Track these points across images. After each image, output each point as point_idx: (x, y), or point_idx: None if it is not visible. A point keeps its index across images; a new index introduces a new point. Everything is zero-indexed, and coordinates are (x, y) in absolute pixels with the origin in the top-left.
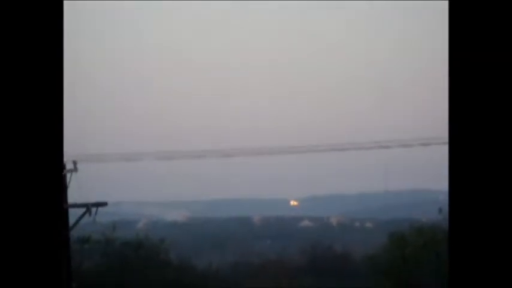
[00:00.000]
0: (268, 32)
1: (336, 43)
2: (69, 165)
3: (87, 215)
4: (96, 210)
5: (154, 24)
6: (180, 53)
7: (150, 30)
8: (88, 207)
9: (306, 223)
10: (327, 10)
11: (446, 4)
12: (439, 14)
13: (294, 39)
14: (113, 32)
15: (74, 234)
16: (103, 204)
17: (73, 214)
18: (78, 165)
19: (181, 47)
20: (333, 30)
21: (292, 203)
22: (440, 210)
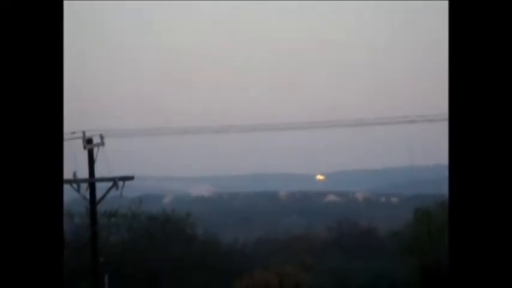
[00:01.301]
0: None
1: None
2: (96, 139)
3: (114, 189)
4: (123, 184)
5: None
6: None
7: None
8: (115, 181)
9: (331, 198)
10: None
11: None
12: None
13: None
14: (132, 17)
15: (101, 208)
16: (130, 178)
17: (100, 188)
18: (105, 140)
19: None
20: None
21: (319, 177)
22: None
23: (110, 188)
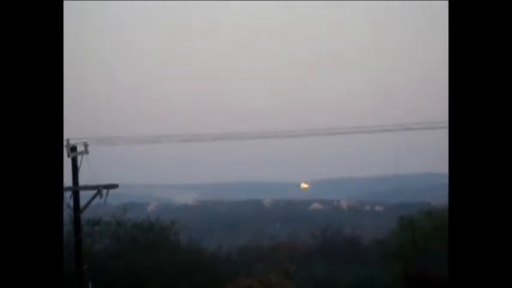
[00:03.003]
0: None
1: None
2: (80, 148)
3: (98, 197)
4: (107, 192)
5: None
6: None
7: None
8: (99, 189)
9: (316, 206)
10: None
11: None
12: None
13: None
14: (119, 22)
15: (85, 216)
16: (114, 186)
17: (84, 196)
18: (90, 148)
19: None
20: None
21: (303, 186)
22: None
23: (94, 196)
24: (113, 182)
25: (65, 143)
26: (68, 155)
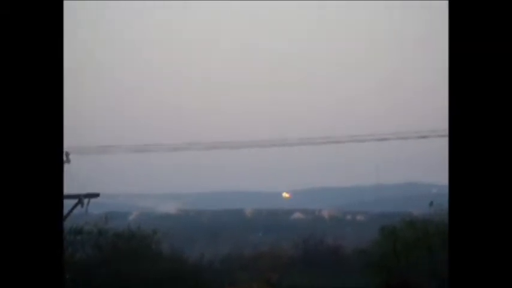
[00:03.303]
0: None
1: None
2: None
3: (79, 207)
4: (88, 202)
5: (148, 20)
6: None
7: (146, 26)
8: (80, 198)
9: (297, 216)
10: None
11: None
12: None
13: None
14: (111, 27)
15: (67, 225)
16: (95, 195)
17: (65, 205)
18: (71, 157)
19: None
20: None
21: (285, 195)
22: (431, 203)
23: (75, 205)
24: (95, 191)
25: None
26: None
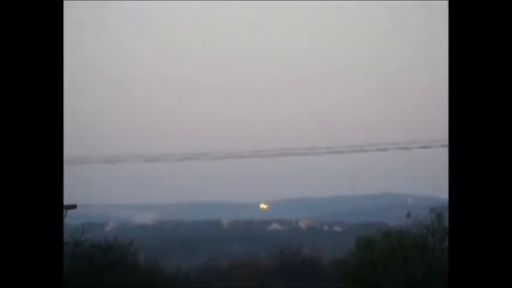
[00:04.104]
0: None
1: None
2: None
3: None
4: (66, 213)
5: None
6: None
7: (128, 33)
8: None
9: (274, 226)
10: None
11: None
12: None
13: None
14: (101, 32)
15: None
16: (72, 206)
17: None
18: None
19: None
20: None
21: (262, 206)
22: (408, 215)
23: None
24: (71, 202)
25: None
26: None
